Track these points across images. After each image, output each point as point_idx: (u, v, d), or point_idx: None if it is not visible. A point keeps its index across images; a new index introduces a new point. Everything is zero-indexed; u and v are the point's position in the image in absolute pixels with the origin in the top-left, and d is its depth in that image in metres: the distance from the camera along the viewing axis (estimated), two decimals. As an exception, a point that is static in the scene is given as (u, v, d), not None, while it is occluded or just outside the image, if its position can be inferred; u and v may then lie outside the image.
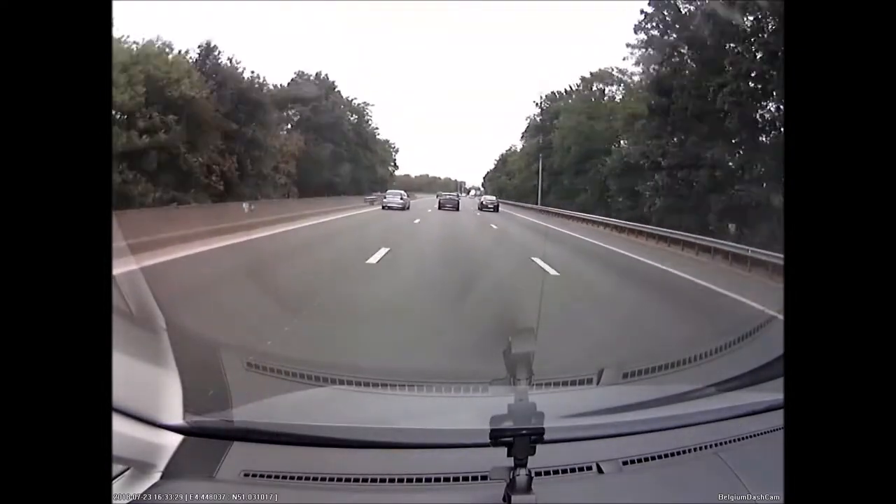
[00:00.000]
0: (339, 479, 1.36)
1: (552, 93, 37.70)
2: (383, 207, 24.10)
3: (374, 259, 9.12)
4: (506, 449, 1.23)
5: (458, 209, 27.93)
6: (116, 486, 1.27)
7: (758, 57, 17.84)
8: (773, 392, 1.77)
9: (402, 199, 26.14)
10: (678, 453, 1.54)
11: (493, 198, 35.42)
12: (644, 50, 23.53)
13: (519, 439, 1.22)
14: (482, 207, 31.04)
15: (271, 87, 27.53)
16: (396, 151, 42.24)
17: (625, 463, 1.48)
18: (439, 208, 27.56)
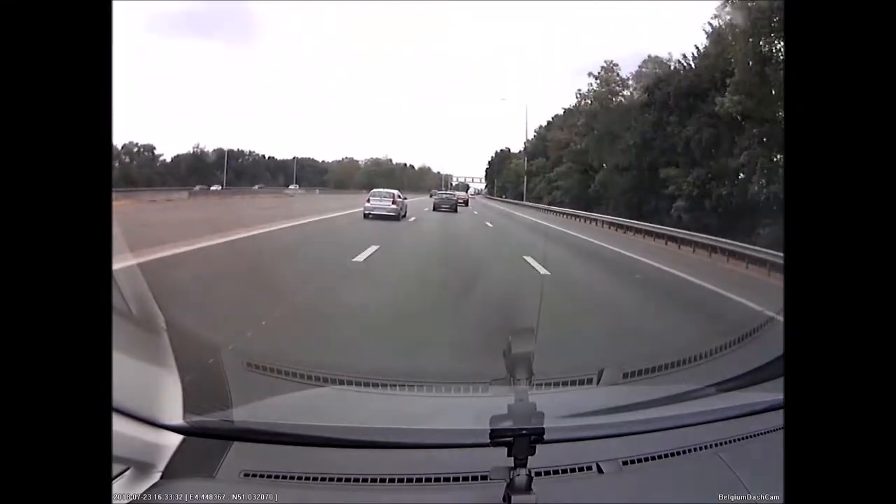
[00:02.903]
0: (339, 479, 1.36)
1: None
2: (365, 215, 17.68)
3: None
4: (506, 449, 1.23)
5: (455, 210, 25.13)
6: (116, 486, 1.27)
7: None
8: (773, 392, 1.77)
9: (394, 202, 18.91)
10: (678, 453, 1.54)
11: (465, 194, 33.38)
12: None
13: (519, 439, 1.22)
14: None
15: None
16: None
17: (625, 463, 1.48)
18: (434, 209, 24.60)
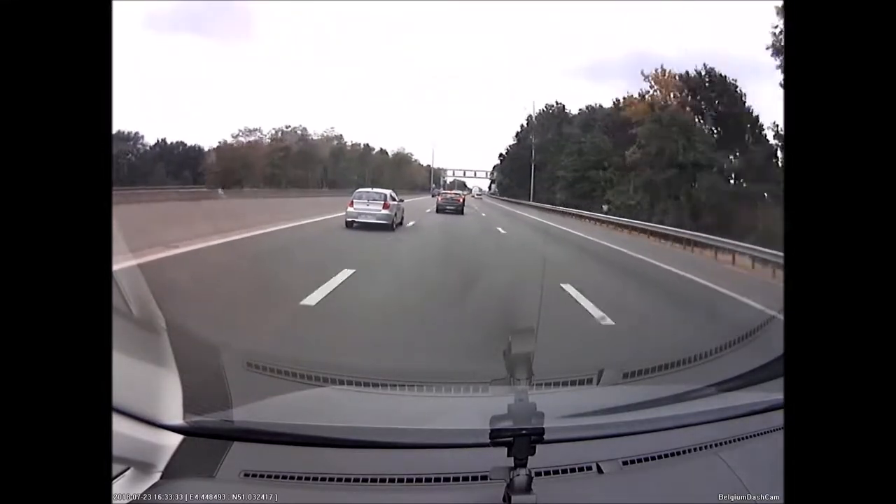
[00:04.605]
0: (339, 479, 1.36)
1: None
2: (348, 223, 14.02)
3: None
4: (506, 449, 1.23)
5: (462, 212, 21.60)
6: (116, 486, 1.27)
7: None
8: (773, 392, 1.77)
9: (385, 206, 14.57)
10: (678, 453, 1.54)
11: (462, 193, 29.75)
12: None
13: (519, 439, 1.22)
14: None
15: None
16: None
17: (625, 463, 1.48)
18: (438, 211, 21.13)
